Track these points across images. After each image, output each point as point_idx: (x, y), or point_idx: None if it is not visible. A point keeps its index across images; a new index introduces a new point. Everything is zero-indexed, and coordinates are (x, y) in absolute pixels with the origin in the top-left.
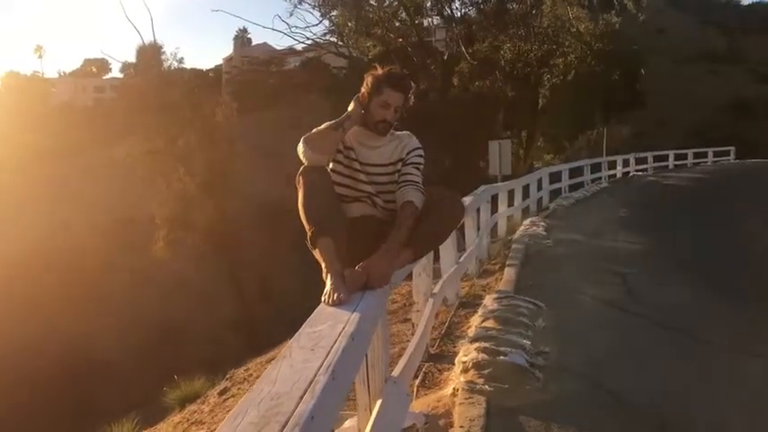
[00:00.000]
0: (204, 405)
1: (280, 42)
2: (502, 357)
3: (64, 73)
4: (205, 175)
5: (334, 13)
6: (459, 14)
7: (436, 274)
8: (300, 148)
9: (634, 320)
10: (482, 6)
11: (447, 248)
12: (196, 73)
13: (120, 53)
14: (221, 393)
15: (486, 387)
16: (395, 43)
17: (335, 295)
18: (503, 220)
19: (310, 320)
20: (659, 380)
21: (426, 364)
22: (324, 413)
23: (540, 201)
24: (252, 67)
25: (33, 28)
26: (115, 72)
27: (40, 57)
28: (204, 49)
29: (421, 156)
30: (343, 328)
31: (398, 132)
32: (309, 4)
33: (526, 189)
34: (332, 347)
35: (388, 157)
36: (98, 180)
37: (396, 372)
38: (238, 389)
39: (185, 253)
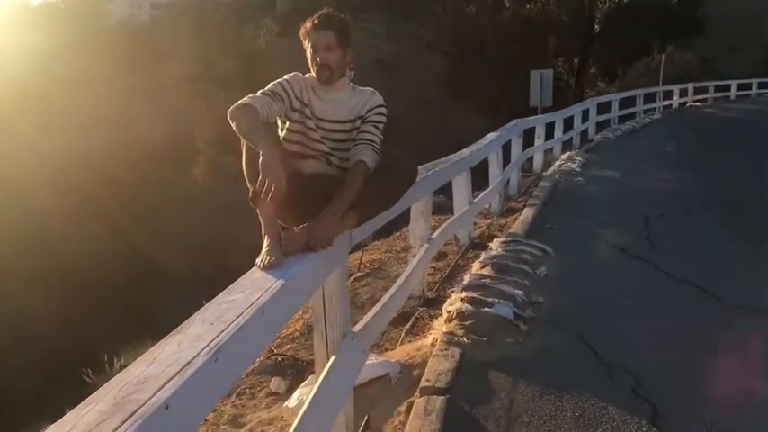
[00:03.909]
0: None
1: None
2: (487, 309)
3: None
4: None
5: None
6: None
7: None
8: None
9: (646, 271)
10: None
11: (460, 189)
12: None
13: None
14: None
15: (465, 339)
16: None
17: (268, 259)
18: (539, 154)
19: (232, 287)
20: (651, 340)
21: (420, 310)
22: (186, 402)
23: (584, 133)
24: None
25: None
26: None
27: None
28: None
29: (382, 114)
30: (258, 299)
31: (361, 88)
32: None
33: (569, 121)
34: (233, 322)
35: (347, 114)
36: (146, 102)
37: (357, 327)
38: None
39: (227, 176)
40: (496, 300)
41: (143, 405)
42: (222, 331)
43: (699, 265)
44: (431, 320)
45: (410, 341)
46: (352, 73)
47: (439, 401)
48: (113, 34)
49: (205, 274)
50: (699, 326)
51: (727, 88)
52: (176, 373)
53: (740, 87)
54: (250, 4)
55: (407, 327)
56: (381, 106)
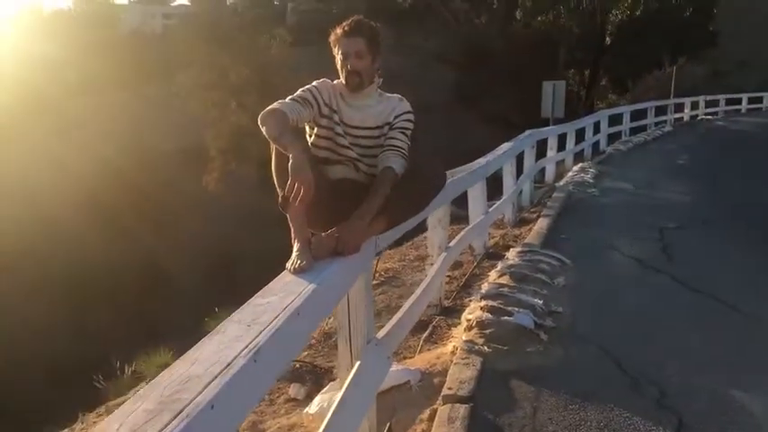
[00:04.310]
0: None
1: None
2: (506, 318)
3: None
4: (258, 108)
5: None
6: None
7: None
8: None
9: (663, 282)
10: None
11: (475, 198)
12: (261, 2)
13: None
14: None
15: (485, 348)
16: None
17: (298, 262)
18: (551, 166)
19: (265, 290)
20: (672, 351)
21: (437, 318)
22: (229, 401)
23: (596, 145)
24: None
25: None
26: None
27: None
28: None
29: (410, 120)
30: (292, 302)
31: (388, 95)
32: None
33: (581, 132)
34: (269, 324)
35: (375, 120)
36: (160, 110)
37: (381, 333)
38: None
39: (238, 184)
40: (516, 309)
41: (189, 404)
42: (260, 333)
43: (717, 276)
44: (449, 329)
45: (429, 349)
46: (381, 80)
47: (462, 410)
48: (127, 43)
49: (215, 282)
50: (719, 337)
51: (739, 101)
52: (219, 374)
53: (751, 101)
54: (262, 15)
55: (425, 335)
56: (409, 112)
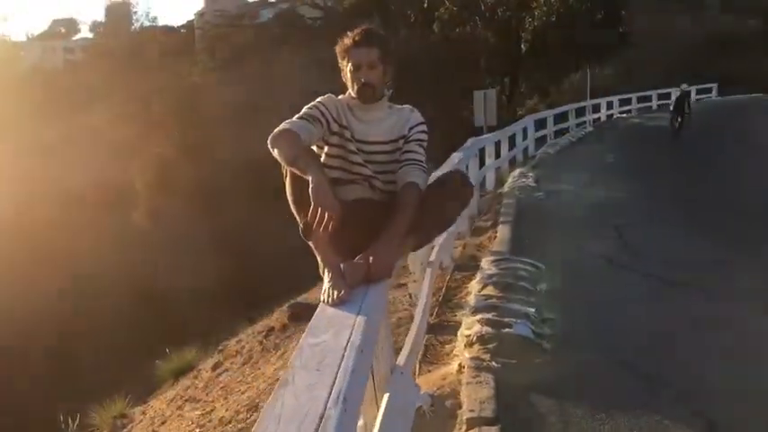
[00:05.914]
0: (198, 380)
1: None
2: (507, 330)
3: (32, 35)
4: (183, 138)
5: None
6: None
7: None
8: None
9: (637, 279)
10: None
11: None
12: (168, 30)
13: (90, 12)
14: (214, 368)
15: (493, 364)
16: None
17: (335, 293)
18: (491, 173)
19: (312, 328)
20: (679, 348)
21: (427, 336)
22: None
23: (525, 150)
24: (224, 21)
25: None
26: (85, 32)
27: (5, 20)
28: (178, 4)
29: (424, 132)
30: (350, 338)
31: (398, 106)
32: None
33: (512, 138)
34: (339, 366)
35: (389, 134)
36: (75, 146)
37: (401, 359)
38: (231, 363)
39: (167, 218)
40: (513, 320)
41: None
42: (334, 377)
43: (687, 269)
44: (442, 347)
45: (429, 370)
46: (391, 92)
47: None
48: (28, 80)
49: (147, 323)
50: (717, 330)
51: (649, 99)
52: (318, 429)
53: (660, 97)
54: (171, 42)
55: (420, 355)
56: (422, 123)
